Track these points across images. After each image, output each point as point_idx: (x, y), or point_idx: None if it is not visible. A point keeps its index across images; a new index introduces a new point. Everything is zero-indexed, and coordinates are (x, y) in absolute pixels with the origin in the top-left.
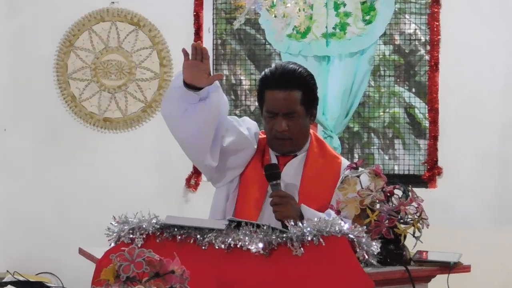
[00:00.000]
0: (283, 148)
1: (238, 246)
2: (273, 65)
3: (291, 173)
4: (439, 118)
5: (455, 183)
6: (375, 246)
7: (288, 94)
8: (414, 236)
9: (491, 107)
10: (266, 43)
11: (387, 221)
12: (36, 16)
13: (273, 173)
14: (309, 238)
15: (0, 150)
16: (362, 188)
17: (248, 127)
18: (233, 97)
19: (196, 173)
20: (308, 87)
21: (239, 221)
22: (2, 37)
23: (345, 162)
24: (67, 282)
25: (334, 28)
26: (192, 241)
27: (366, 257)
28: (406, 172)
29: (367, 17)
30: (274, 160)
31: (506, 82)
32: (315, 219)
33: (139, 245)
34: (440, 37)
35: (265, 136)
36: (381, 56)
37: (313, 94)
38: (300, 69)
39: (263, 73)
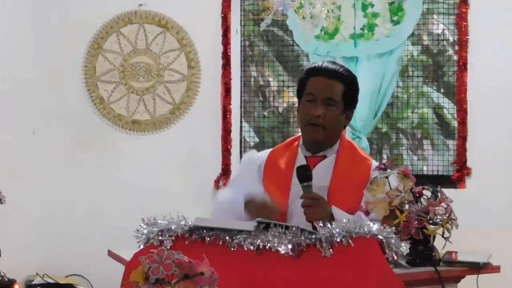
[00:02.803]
0: (315, 136)
1: (267, 247)
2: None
3: (321, 175)
4: (468, 118)
5: (484, 184)
6: (404, 247)
7: (332, 83)
8: (443, 237)
9: None
10: (294, 44)
11: (416, 222)
12: (64, 18)
13: (305, 175)
14: (338, 239)
15: (29, 152)
16: (390, 189)
17: (249, 172)
18: (261, 98)
19: (224, 174)
20: (351, 84)
21: (268, 222)
22: (29, 39)
23: (375, 163)
24: (97, 284)
25: (362, 29)
26: (221, 242)
27: (395, 258)
28: (435, 173)
29: (395, 18)
30: (303, 162)
31: None
32: (345, 220)
33: (168, 247)
34: (468, 37)
35: (287, 141)
36: (409, 57)
37: (354, 94)
38: (345, 67)
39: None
